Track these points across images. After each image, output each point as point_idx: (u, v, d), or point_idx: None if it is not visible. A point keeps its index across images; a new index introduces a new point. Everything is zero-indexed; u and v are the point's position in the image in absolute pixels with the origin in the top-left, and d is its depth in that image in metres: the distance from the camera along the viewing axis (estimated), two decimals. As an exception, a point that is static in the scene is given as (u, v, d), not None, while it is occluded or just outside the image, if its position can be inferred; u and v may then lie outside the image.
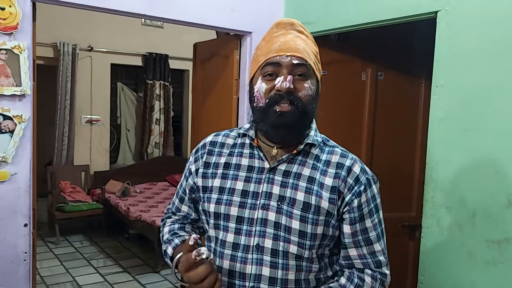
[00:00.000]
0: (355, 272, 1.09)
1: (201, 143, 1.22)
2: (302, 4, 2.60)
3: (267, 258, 1.05)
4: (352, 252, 1.08)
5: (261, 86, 1.07)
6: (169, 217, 1.29)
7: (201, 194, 1.16)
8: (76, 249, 4.76)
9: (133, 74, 6.09)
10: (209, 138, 1.21)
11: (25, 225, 2.02)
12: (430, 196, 1.87)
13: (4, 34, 1.89)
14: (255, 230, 1.06)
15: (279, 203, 1.06)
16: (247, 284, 1.06)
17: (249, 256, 1.06)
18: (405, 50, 2.75)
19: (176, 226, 1.24)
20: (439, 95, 1.85)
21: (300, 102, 1.05)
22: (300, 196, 1.06)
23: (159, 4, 2.31)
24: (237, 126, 2.74)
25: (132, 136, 6.17)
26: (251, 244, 1.06)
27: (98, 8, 2.16)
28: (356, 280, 1.08)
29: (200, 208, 1.18)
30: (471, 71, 1.73)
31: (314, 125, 1.15)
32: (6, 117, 1.93)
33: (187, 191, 1.21)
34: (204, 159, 1.17)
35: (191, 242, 0.97)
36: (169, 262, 1.16)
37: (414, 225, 2.74)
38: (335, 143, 1.18)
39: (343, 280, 1.09)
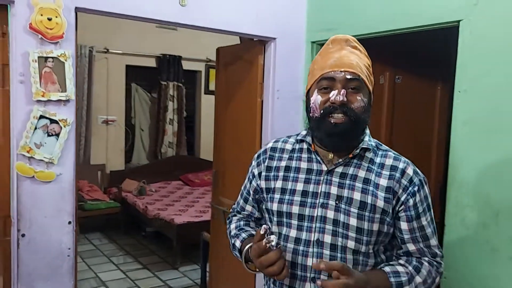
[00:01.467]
0: (414, 258, 1.21)
1: (262, 149, 1.35)
2: (324, 11, 2.71)
3: (326, 252, 1.16)
4: (411, 247, 1.20)
5: (317, 98, 1.18)
6: (235, 215, 1.43)
7: (265, 195, 1.28)
8: (95, 247, 4.89)
9: (147, 75, 6.20)
10: (270, 145, 1.34)
11: (69, 222, 2.14)
12: (454, 196, 1.98)
13: (51, 43, 2.00)
14: (315, 227, 1.17)
15: (337, 202, 1.16)
16: (308, 275, 1.17)
17: (310, 249, 1.17)
18: (422, 54, 2.86)
19: (242, 223, 1.38)
20: (462, 100, 1.96)
21: (353, 113, 1.14)
22: (357, 195, 1.16)
23: (189, 12, 2.42)
24: (261, 127, 2.86)
25: (146, 136, 6.29)
26: (312, 239, 1.17)
27: (135, 17, 2.27)
28: (414, 262, 1.19)
29: (263, 207, 1.31)
30: (493, 76, 1.84)
31: (367, 131, 1.25)
32: (52, 121, 2.04)
33: (251, 192, 1.35)
34: (266, 164, 1.30)
35: (262, 232, 1.08)
36: (238, 254, 1.29)
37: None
38: (388, 147, 1.28)
39: (402, 261, 1.21)
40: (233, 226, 1.38)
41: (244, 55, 2.96)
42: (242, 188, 1.40)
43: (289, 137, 1.34)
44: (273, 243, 1.08)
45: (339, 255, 1.16)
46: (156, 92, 6.21)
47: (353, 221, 1.15)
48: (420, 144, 2.99)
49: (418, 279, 1.17)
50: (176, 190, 5.77)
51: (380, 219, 1.16)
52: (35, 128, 2.01)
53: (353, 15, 2.53)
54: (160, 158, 6.23)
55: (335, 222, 1.16)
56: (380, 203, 1.16)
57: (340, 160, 1.20)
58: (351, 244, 1.15)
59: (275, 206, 1.23)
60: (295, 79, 2.82)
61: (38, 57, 1.97)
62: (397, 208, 1.18)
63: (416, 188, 1.19)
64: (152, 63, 6.05)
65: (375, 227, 1.16)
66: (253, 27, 2.66)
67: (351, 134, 1.17)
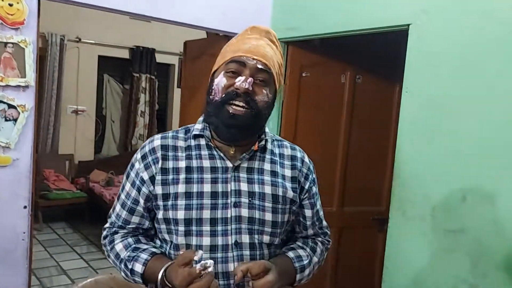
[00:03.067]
0: (310, 239, 1.28)
1: (147, 148, 1.15)
2: (288, 11, 2.79)
3: (246, 252, 1.09)
4: (310, 231, 1.27)
5: (221, 80, 1.08)
6: (116, 232, 1.19)
7: (161, 203, 1.11)
8: (59, 236, 4.87)
9: (120, 66, 6.17)
10: (158, 142, 1.14)
11: (25, 207, 2.16)
12: (397, 191, 2.09)
13: (12, 29, 2.02)
14: (231, 229, 1.09)
15: (250, 199, 1.10)
16: (231, 282, 1.08)
17: (230, 254, 1.08)
18: (382, 55, 2.97)
19: (130, 240, 1.15)
20: (408, 100, 2.07)
21: (255, 106, 1.07)
22: (268, 189, 1.13)
23: (158, 5, 2.46)
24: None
25: (117, 128, 6.26)
26: (230, 243, 1.08)
27: (102, 7, 2.30)
28: (311, 243, 1.26)
29: (159, 216, 1.12)
30: (437, 79, 1.95)
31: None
32: (10, 106, 2.06)
33: (141, 201, 1.13)
34: (160, 165, 1.11)
35: (196, 258, 0.96)
36: (139, 280, 1.10)
37: (384, 218, 2.97)
38: (280, 137, 1.28)
39: (299, 243, 1.25)
40: (119, 247, 1.15)
41: (209, 49, 3.01)
42: (123, 197, 1.17)
43: (176, 132, 1.18)
44: (209, 269, 0.96)
45: (258, 252, 1.11)
46: (128, 84, 6.19)
47: (268, 216, 1.12)
48: (377, 142, 3.11)
49: (315, 259, 1.23)
50: (144, 182, 5.77)
51: (289, 209, 1.17)
52: (-8, 112, 2.03)
53: (314, 16, 2.62)
54: (131, 149, 6.22)
55: (251, 220, 1.10)
56: (290, 193, 1.16)
57: (244, 154, 1.14)
58: (266, 239, 1.12)
59: (180, 214, 1.08)
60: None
61: (-3, 42, 1.99)
62: (301, 196, 1.21)
63: (314, 176, 1.25)
64: (125, 54, 6.03)
65: (286, 218, 1.16)
66: (220, 23, 2.73)
67: (249, 128, 1.10)
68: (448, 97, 1.90)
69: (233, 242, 1.09)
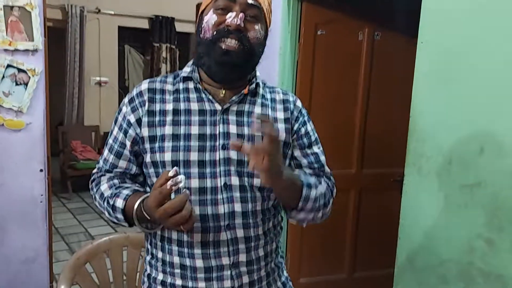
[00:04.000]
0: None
1: (135, 92, 1.14)
2: (301, -36, 2.67)
3: (236, 194, 1.07)
4: (308, 171, 1.20)
5: (211, 17, 1.05)
6: (103, 175, 1.17)
7: (148, 145, 1.09)
8: (88, 204, 5.02)
9: (140, 37, 6.18)
10: (145, 86, 1.13)
11: (41, 170, 2.21)
12: (413, 146, 2.01)
13: (17, -8, 2.01)
14: (220, 171, 1.07)
15: (238, 141, 1.07)
16: (222, 223, 1.07)
17: (219, 196, 1.06)
18: (401, 10, 2.82)
19: (116, 181, 1.14)
20: (423, 51, 1.96)
21: (248, 42, 1.04)
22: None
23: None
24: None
25: (140, 98, 6.32)
26: (219, 185, 1.07)
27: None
28: (314, 178, 1.18)
29: (147, 160, 1.10)
30: (452, 28, 1.83)
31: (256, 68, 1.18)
32: (20, 70, 2.08)
33: (127, 144, 1.12)
34: (146, 108, 1.10)
35: (171, 174, 0.92)
36: (120, 216, 1.08)
37: (404, 179, 2.90)
38: (272, 85, 1.24)
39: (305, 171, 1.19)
40: (104, 187, 1.14)
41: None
42: (111, 141, 1.15)
43: (165, 76, 1.17)
44: (181, 185, 0.92)
45: (248, 194, 1.09)
46: (149, 54, 6.20)
47: None
48: (398, 102, 2.99)
49: (320, 187, 1.15)
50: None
51: (282, 152, 1.08)
52: (3, 77, 2.05)
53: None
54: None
55: (240, 162, 1.08)
56: (282, 135, 1.13)
57: (234, 97, 1.11)
58: (257, 182, 1.08)
59: (168, 156, 1.06)
60: (273, 33, 2.81)
61: (4, 5, 1.99)
62: (291, 137, 1.18)
63: (306, 118, 1.21)
64: (144, 24, 6.02)
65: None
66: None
67: (243, 65, 1.07)
68: (465, 46, 1.79)
69: (222, 184, 1.07)
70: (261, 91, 1.16)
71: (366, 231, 2.99)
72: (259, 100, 1.15)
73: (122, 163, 1.14)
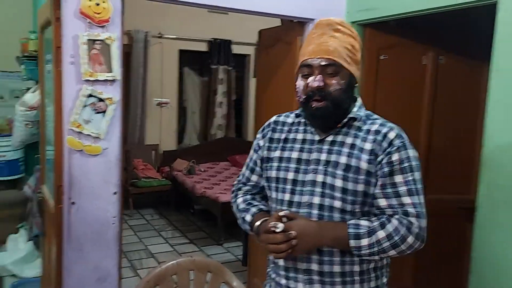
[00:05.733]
0: (385, 215, 1.25)
1: (266, 123, 1.49)
2: (364, -9, 2.68)
3: (315, 211, 1.28)
4: (382, 202, 1.25)
5: (299, 83, 1.31)
6: (239, 189, 1.53)
7: (266, 164, 1.42)
8: (147, 221, 5.20)
9: (198, 59, 6.39)
10: (273, 119, 1.48)
11: (114, 193, 2.33)
12: (486, 177, 1.94)
13: (99, 27, 2.17)
14: (306, 190, 1.30)
15: (325, 166, 1.29)
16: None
17: (301, 210, 1.30)
18: (466, 33, 2.75)
19: (248, 197, 1.49)
20: (498, 79, 1.90)
21: (330, 97, 1.26)
22: (343, 159, 1.28)
23: (228, -5, 2.50)
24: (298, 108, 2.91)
25: (197, 118, 6.51)
26: (303, 201, 1.30)
27: (181, 1, 2.40)
28: (383, 219, 1.24)
29: (264, 176, 1.43)
30: (532, 56, 1.77)
31: (358, 102, 1.36)
32: (100, 99, 2.22)
33: (258, 162, 1.47)
34: (269, 136, 1.44)
35: (281, 214, 1.24)
36: (247, 227, 1.43)
37: (472, 207, 2.78)
38: (379, 117, 1.36)
39: (372, 218, 1.27)
40: (240, 200, 1.49)
41: (283, 37, 3.00)
42: (248, 160, 1.52)
43: (291, 112, 1.46)
44: (277, 230, 1.22)
45: (326, 213, 1.27)
46: (206, 75, 6.39)
47: (338, 182, 1.26)
48: (464, 126, 2.91)
49: (381, 233, 1.21)
50: (223, 170, 5.96)
51: (365, 180, 1.25)
52: (84, 106, 2.20)
53: (392, -5, 2.49)
54: (210, 139, 6.44)
55: (323, 184, 1.28)
56: (364, 164, 1.26)
57: (330, 130, 1.33)
58: (337, 203, 1.26)
59: (273, 173, 1.37)
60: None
61: (87, 40, 2.15)
62: (376, 168, 1.27)
63: (394, 149, 1.25)
64: (203, 47, 6.23)
65: (360, 187, 1.25)
66: (294, 9, 2.70)
67: (332, 116, 1.29)
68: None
69: (306, 201, 1.30)
70: (358, 124, 1.32)
71: (427, 259, 2.89)
72: (353, 132, 1.32)
73: (254, 178, 1.50)
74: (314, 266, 1.28)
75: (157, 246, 4.43)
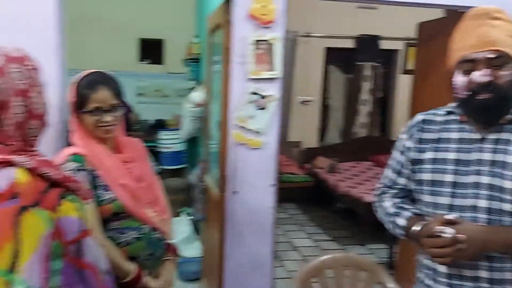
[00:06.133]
0: None
1: (412, 122, 1.40)
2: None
3: (481, 215, 1.20)
4: None
5: (460, 79, 1.22)
6: (384, 193, 1.46)
7: (415, 166, 1.33)
8: (290, 215, 5.36)
9: (344, 56, 6.34)
10: (420, 118, 1.38)
11: (272, 185, 2.46)
12: None
13: (264, 28, 2.30)
14: (469, 193, 1.21)
15: (491, 167, 1.20)
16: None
17: (465, 214, 1.21)
18: None
19: (397, 200, 1.41)
20: None
21: (500, 90, 1.17)
22: (510, 159, 1.18)
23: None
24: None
25: (340, 116, 6.46)
26: (466, 205, 1.22)
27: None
28: None
29: (413, 178, 1.35)
30: None
31: None
32: (262, 97, 2.36)
33: (404, 163, 1.38)
34: (417, 136, 1.34)
35: (449, 217, 1.18)
36: (400, 231, 1.35)
37: None
38: None
39: None
40: (388, 204, 1.42)
41: (448, 29, 2.80)
42: (391, 162, 1.44)
43: (438, 109, 1.37)
44: (445, 235, 1.16)
45: (495, 217, 1.19)
46: (351, 73, 6.31)
47: (508, 184, 1.17)
48: None
49: None
50: (366, 170, 5.82)
51: None
52: (248, 103, 2.36)
53: None
54: (352, 138, 6.35)
55: (491, 186, 1.20)
56: None
57: (493, 127, 1.23)
58: (507, 206, 1.18)
59: (427, 176, 1.29)
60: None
61: (254, 40, 2.29)
62: None
63: None
64: (350, 44, 6.15)
65: None
66: (460, -2, 2.51)
67: (500, 110, 1.21)
68: None
69: (469, 204, 1.21)
70: None
71: None
72: None
73: (401, 180, 1.41)
74: (483, 274, 1.20)
75: (300, 240, 4.54)
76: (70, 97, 1.57)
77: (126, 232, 1.54)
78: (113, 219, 1.53)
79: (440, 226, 1.17)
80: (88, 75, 1.58)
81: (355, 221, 4.86)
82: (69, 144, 1.59)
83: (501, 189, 1.18)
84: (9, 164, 0.91)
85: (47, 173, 0.96)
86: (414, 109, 3.20)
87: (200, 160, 3.47)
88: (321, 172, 5.66)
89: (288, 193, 5.89)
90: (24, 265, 0.86)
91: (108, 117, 1.53)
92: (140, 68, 5.39)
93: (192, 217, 4.02)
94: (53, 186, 0.97)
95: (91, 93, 1.52)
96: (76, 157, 1.49)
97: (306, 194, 5.82)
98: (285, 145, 6.11)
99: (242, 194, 2.43)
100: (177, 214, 4.08)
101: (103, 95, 1.53)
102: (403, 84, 6.22)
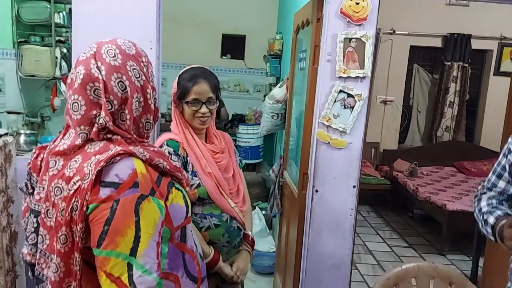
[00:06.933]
0: None
1: None
2: None
3: None
4: None
5: None
6: (484, 193, 1.45)
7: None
8: (364, 218, 5.23)
9: (430, 55, 6.04)
10: None
11: (354, 186, 2.41)
12: None
13: (356, 25, 2.25)
14: None
15: None
16: None
17: None
18: None
19: (494, 201, 1.41)
20: None
21: None
22: None
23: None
24: None
25: (423, 118, 6.17)
26: None
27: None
28: None
29: None
30: None
31: None
32: (349, 95, 2.31)
33: (507, 167, 1.36)
34: None
35: None
36: (490, 230, 1.34)
37: None
38: None
39: None
40: (483, 203, 1.42)
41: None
42: (495, 165, 1.42)
43: None
44: None
45: None
46: (437, 73, 5.98)
47: None
48: None
49: None
50: (449, 176, 5.51)
51: None
52: (335, 101, 2.32)
53: None
54: (435, 141, 6.03)
55: None
56: None
57: None
58: None
59: None
60: None
61: (344, 38, 2.25)
62: None
63: None
64: (437, 43, 5.84)
65: None
66: None
67: None
68: None
69: None
70: None
71: None
72: None
73: (501, 184, 1.40)
74: None
75: (374, 244, 4.41)
76: (173, 88, 1.68)
77: (207, 217, 1.64)
78: (197, 204, 1.62)
79: None
80: (190, 69, 1.69)
81: (434, 229, 4.62)
82: (165, 131, 1.72)
83: None
84: (129, 155, 0.97)
85: (160, 163, 1.02)
86: (511, 114, 2.97)
87: (279, 156, 3.49)
88: (400, 176, 5.45)
89: (363, 195, 5.73)
90: (143, 250, 0.92)
91: (204, 109, 1.63)
92: (221, 63, 5.52)
93: (265, 212, 4.06)
94: (163, 175, 1.03)
95: (192, 86, 1.62)
96: (173, 143, 1.63)
97: (383, 197, 5.65)
98: (363, 146, 5.96)
99: (323, 193, 2.40)
100: (252, 208, 4.15)
101: (201, 89, 1.64)
102: (495, 87, 5.81)
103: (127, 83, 1.01)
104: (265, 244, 3.87)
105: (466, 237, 3.91)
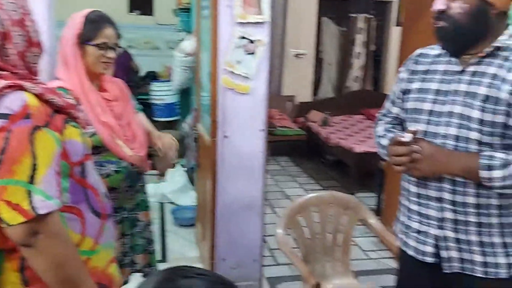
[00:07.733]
0: None
1: (411, 56, 1.49)
2: None
3: (450, 142, 1.29)
4: None
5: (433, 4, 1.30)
6: (380, 120, 1.59)
7: (405, 96, 1.44)
8: (282, 167, 5.47)
9: (338, 8, 6.25)
10: (417, 52, 1.47)
11: (261, 130, 2.52)
12: None
13: (252, -30, 2.28)
14: (442, 121, 1.31)
15: (464, 97, 1.28)
16: None
17: (436, 141, 1.31)
18: None
19: (389, 126, 1.54)
20: None
21: (451, 19, 1.25)
22: (482, 90, 1.25)
23: None
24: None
25: (334, 70, 6.46)
26: (438, 132, 1.31)
27: None
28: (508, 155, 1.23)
29: (402, 107, 1.47)
30: None
31: (509, 31, 1.28)
32: (250, 41, 2.37)
33: (398, 94, 1.49)
34: (411, 68, 1.44)
35: (412, 129, 1.30)
36: (384, 151, 1.50)
37: None
38: None
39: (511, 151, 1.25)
40: (380, 128, 1.55)
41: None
42: (390, 93, 1.56)
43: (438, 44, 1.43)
44: (403, 139, 1.29)
45: (462, 144, 1.27)
46: (345, 25, 6.24)
47: (475, 114, 1.24)
48: None
49: None
50: (357, 123, 5.89)
51: (506, 111, 1.22)
52: (237, 48, 2.37)
53: None
54: (345, 92, 6.37)
55: (460, 116, 1.27)
56: (504, 95, 1.22)
57: (472, 60, 1.29)
58: (473, 135, 1.25)
59: (410, 105, 1.41)
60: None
61: (241, -17, 2.28)
62: None
63: None
64: (343, -5, 6.06)
65: (499, 118, 1.22)
66: None
67: (453, 39, 1.28)
68: None
69: (441, 132, 1.31)
70: (505, 53, 1.27)
71: None
72: (497, 62, 1.27)
73: (394, 109, 1.53)
74: (446, 195, 1.30)
75: (292, 190, 4.67)
76: (74, 30, 1.60)
77: (105, 165, 1.64)
78: (93, 152, 1.61)
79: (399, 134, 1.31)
80: (95, 11, 1.63)
81: (344, 171, 4.98)
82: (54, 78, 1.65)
83: (469, 118, 1.25)
84: (19, 88, 0.96)
85: (53, 99, 1.01)
86: (402, 62, 3.22)
87: (192, 109, 3.51)
88: (314, 126, 5.72)
89: (281, 147, 5.98)
90: (41, 177, 0.94)
91: (112, 53, 1.61)
92: (129, 20, 5.31)
93: (185, 167, 4.11)
94: (57, 112, 1.03)
95: (102, 29, 1.58)
96: (62, 91, 1.55)
97: (299, 147, 5.91)
98: (279, 99, 6.14)
99: (232, 139, 2.49)
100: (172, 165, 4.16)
101: (110, 32, 1.61)
102: (397, 37, 6.19)
103: (2, 17, 0.98)
104: (188, 198, 3.93)
105: (372, 175, 4.26)
